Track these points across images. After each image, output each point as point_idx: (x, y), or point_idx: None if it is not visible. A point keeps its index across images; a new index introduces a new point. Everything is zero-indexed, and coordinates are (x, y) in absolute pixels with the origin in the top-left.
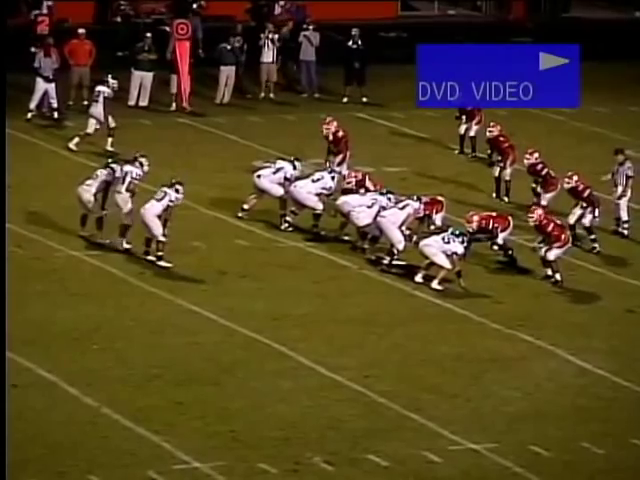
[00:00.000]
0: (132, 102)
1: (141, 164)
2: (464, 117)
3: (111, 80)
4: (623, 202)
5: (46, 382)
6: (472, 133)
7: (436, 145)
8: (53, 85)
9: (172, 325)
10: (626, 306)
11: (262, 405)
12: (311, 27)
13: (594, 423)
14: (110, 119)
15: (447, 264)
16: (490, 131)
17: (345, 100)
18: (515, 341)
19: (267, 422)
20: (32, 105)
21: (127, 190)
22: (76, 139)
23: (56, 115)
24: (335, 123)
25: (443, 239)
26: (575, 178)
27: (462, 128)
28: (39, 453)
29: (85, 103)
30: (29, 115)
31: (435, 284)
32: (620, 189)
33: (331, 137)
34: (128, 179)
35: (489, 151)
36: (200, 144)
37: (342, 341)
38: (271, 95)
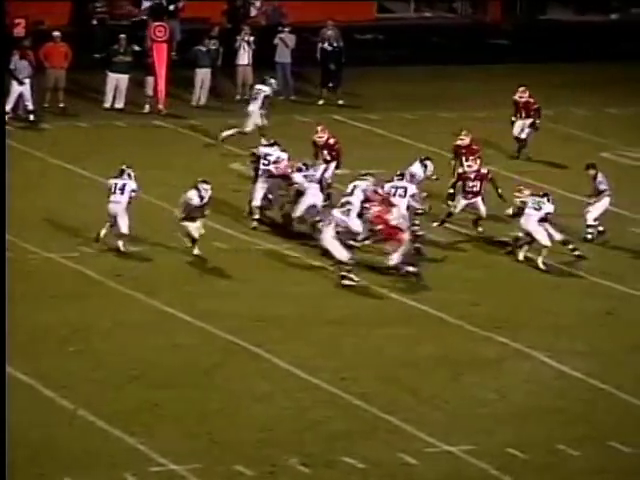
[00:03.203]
0: (108, 104)
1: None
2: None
3: (272, 80)
4: (592, 213)
5: (23, 384)
6: (524, 135)
7: (412, 147)
8: (28, 87)
9: (150, 327)
10: (604, 308)
11: (239, 407)
12: (287, 29)
13: (571, 425)
14: (264, 119)
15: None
16: (461, 139)
17: (321, 102)
18: (492, 343)
19: (244, 424)
20: (7, 107)
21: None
22: (229, 132)
23: (32, 117)
24: (327, 130)
25: (535, 207)
26: (526, 192)
27: (516, 129)
28: (15, 455)
29: (61, 105)
30: (5, 117)
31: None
32: (593, 200)
33: (324, 144)
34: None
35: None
36: (176, 146)
37: (320, 343)
38: (246, 97)
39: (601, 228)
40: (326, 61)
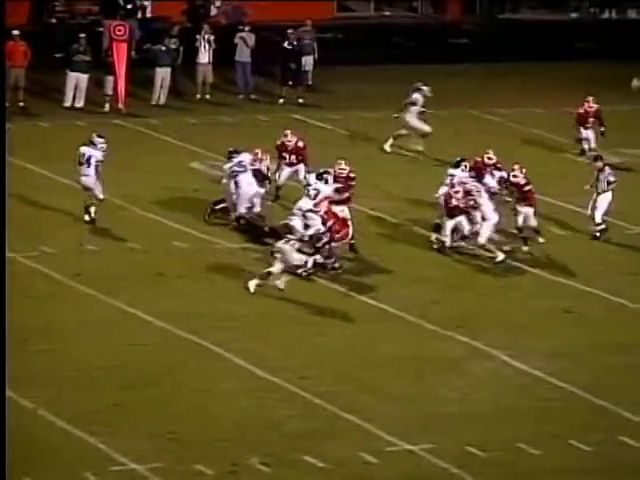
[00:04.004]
0: (67, 103)
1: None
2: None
3: (425, 87)
4: (598, 210)
5: None
6: (593, 144)
7: (373, 146)
8: None
9: (111, 327)
10: (563, 306)
11: (201, 406)
12: (247, 28)
13: (532, 424)
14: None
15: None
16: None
17: (281, 101)
18: (453, 342)
19: (205, 423)
20: None
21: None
22: (415, 141)
23: None
24: (295, 134)
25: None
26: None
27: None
28: None
29: (21, 105)
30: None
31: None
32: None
33: (293, 148)
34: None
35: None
36: (136, 145)
37: (281, 342)
38: (207, 96)
39: (604, 225)
40: (287, 60)
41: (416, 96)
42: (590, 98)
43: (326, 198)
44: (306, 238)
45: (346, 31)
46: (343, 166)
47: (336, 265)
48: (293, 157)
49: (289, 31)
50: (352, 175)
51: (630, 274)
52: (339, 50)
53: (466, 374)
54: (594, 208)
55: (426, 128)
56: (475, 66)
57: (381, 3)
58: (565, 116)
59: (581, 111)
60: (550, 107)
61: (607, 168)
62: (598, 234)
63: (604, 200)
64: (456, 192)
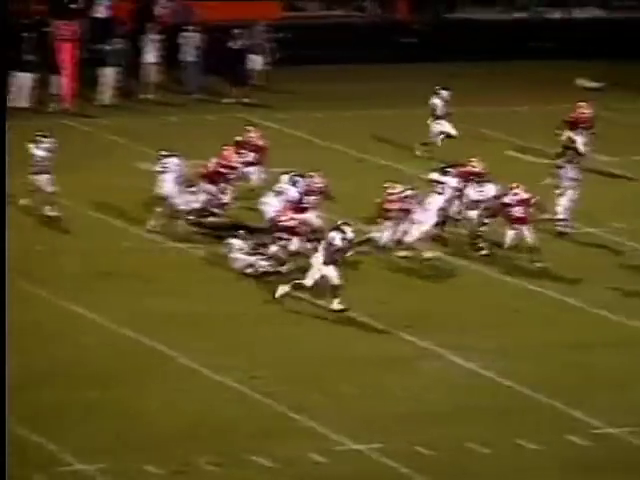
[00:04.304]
0: (13, 103)
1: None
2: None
3: (444, 92)
4: (563, 202)
5: None
6: (581, 148)
7: (322, 147)
8: None
9: (56, 327)
10: (511, 306)
11: (149, 407)
12: (192, 28)
13: (481, 423)
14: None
15: None
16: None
17: (227, 101)
18: (402, 342)
19: (154, 424)
20: None
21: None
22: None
23: None
24: (258, 133)
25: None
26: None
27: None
28: None
29: None
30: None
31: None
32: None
33: (255, 147)
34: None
35: None
36: (83, 145)
37: (230, 342)
38: (150, 96)
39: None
40: (233, 59)
41: (434, 101)
42: (582, 104)
43: (290, 202)
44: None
45: (295, 31)
46: (317, 179)
47: (282, 269)
48: (252, 156)
49: (235, 31)
50: (320, 186)
51: (581, 273)
52: (287, 50)
53: (415, 374)
54: (558, 205)
55: (452, 131)
56: (424, 65)
57: (330, 2)
58: (514, 115)
59: (573, 116)
60: (498, 106)
61: (569, 165)
62: (562, 230)
63: (566, 197)
64: (391, 196)
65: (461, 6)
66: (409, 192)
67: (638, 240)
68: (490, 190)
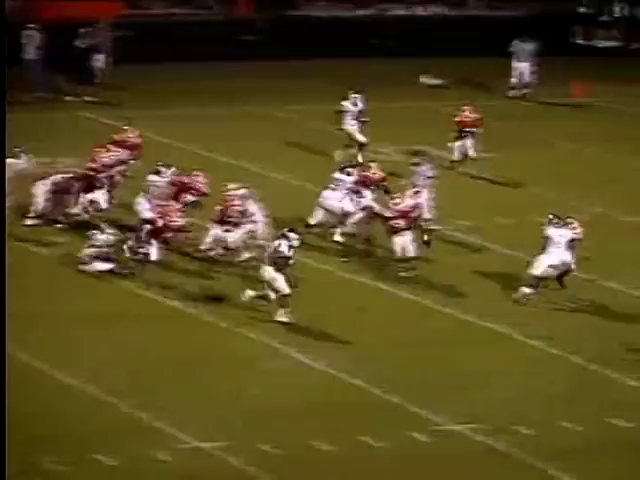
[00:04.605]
0: None
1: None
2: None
3: (356, 95)
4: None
5: None
6: (471, 153)
7: (165, 145)
8: None
9: None
10: (357, 304)
11: None
12: (33, 26)
13: (324, 421)
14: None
15: None
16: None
17: (71, 99)
18: (247, 340)
19: None
20: None
21: None
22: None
23: None
24: (134, 132)
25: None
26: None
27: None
28: None
29: None
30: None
31: None
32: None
33: (132, 144)
34: None
35: None
36: None
37: (72, 342)
38: None
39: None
40: (77, 58)
41: (346, 104)
42: (467, 107)
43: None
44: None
45: (138, 29)
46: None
47: (124, 271)
48: (128, 152)
49: (81, 30)
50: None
51: (422, 271)
52: (130, 48)
53: (262, 373)
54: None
55: (360, 138)
56: (265, 64)
57: (173, 1)
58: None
59: (458, 120)
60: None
61: (426, 163)
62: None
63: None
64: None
65: (303, 3)
66: (245, 191)
67: (487, 238)
68: (367, 198)
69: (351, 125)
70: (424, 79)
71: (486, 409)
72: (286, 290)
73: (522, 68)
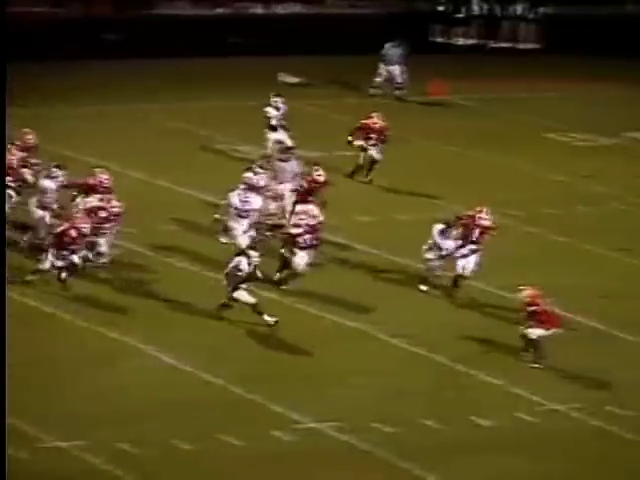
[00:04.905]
0: None
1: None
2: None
3: (277, 99)
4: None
5: None
6: (376, 157)
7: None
8: None
9: None
10: (217, 301)
11: None
12: None
13: (185, 420)
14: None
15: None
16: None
17: None
18: (103, 339)
19: None
20: None
21: None
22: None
23: None
24: (30, 133)
25: None
26: None
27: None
28: None
29: None
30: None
31: None
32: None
33: (31, 146)
34: None
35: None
36: None
37: None
38: None
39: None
40: None
41: (268, 109)
42: (374, 114)
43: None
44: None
45: None
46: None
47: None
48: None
49: None
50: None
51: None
52: None
53: (120, 371)
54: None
55: (288, 141)
56: (124, 62)
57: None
58: (214, 111)
59: (364, 124)
60: (197, 101)
61: (294, 159)
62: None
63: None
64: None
65: (162, 2)
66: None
67: (348, 236)
68: (255, 202)
69: (274, 130)
70: (283, 77)
71: (349, 407)
72: (251, 301)
73: (393, 71)
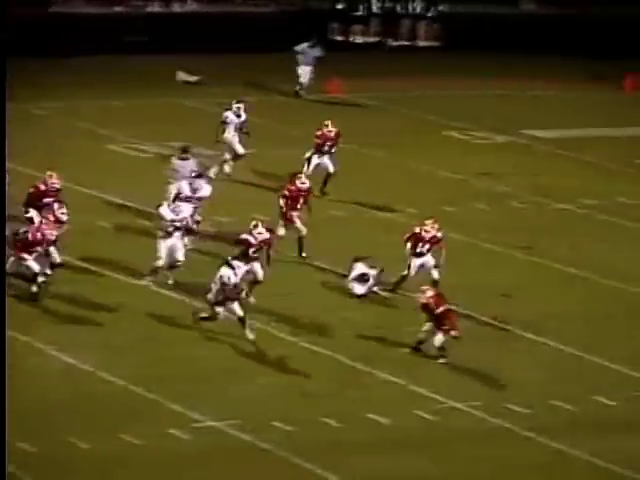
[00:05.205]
0: None
1: None
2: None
3: (238, 105)
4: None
5: None
6: (330, 169)
7: None
8: None
9: None
10: (116, 300)
11: None
12: None
13: (83, 419)
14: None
15: None
16: None
17: None
18: (8, 339)
19: None
20: None
21: None
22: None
23: None
24: None
25: None
26: None
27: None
28: None
29: None
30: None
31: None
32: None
33: None
34: None
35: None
36: None
37: None
38: None
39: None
40: None
41: (229, 114)
42: (328, 122)
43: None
44: None
45: None
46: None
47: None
48: None
49: None
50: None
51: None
52: None
53: (19, 371)
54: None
55: (239, 149)
56: (20, 61)
57: None
58: (112, 109)
59: (319, 134)
60: (94, 99)
61: (192, 158)
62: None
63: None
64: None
65: (58, 0)
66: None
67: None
68: (185, 210)
69: (232, 135)
70: (181, 76)
71: (250, 407)
72: (239, 313)
73: (306, 71)
